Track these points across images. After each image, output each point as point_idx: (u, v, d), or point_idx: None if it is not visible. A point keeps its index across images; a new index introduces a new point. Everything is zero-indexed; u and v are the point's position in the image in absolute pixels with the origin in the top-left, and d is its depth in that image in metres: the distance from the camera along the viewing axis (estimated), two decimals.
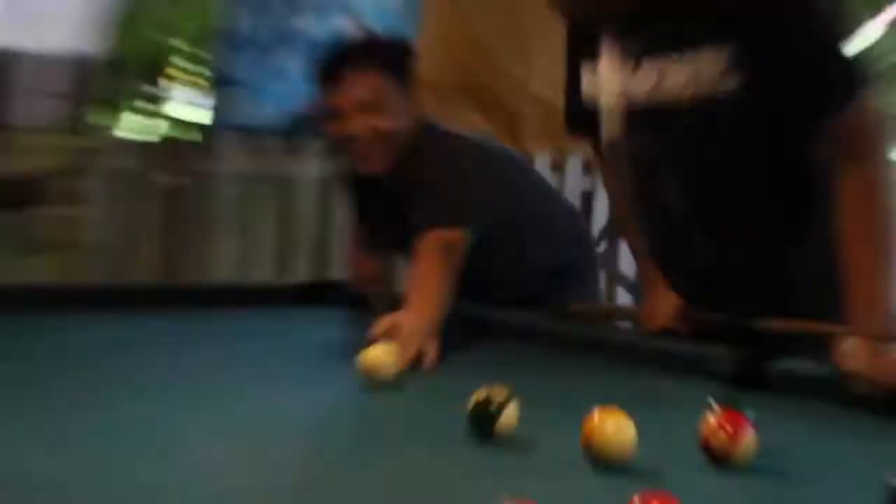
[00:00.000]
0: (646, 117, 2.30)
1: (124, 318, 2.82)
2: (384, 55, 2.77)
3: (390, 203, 2.86)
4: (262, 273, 5.06)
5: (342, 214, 5.12)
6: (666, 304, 2.49)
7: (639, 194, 2.47)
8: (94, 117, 5.18)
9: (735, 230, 2.36)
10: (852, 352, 1.98)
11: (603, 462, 1.50)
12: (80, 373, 2.17)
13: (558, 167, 5.56)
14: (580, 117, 2.58)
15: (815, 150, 2.21)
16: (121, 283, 4.36)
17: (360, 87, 2.67)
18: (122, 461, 1.52)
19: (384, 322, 2.32)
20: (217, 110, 5.15)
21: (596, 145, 2.63)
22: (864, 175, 2.15)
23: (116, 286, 3.98)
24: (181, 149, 5.06)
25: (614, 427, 1.52)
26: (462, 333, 2.52)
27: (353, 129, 2.68)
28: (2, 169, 3.26)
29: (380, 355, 2.09)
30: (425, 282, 2.55)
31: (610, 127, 2.41)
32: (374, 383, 2.07)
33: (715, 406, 1.61)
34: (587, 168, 5.57)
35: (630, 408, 1.54)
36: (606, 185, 2.80)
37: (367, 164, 2.78)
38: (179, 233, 4.97)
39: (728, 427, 1.55)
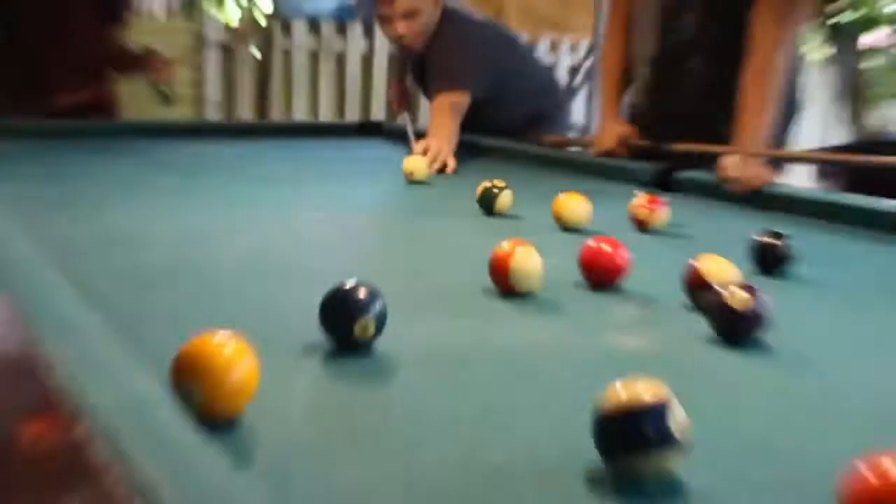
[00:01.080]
0: None
1: (233, 142, 2.90)
2: None
3: (419, 67, 2.95)
4: (325, 118, 5.11)
5: (380, 78, 5.19)
6: (612, 135, 2.50)
7: (659, 28, 2.42)
8: (204, 6, 5.16)
9: (719, 59, 2.33)
10: (730, 164, 2.02)
11: (567, 225, 1.64)
12: (213, 173, 2.28)
13: (555, 48, 5.61)
14: None
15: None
16: (230, 121, 4.44)
17: (405, 2, 2.71)
18: (241, 223, 1.65)
19: (421, 143, 2.45)
20: (286, 3, 5.11)
21: (618, 4, 2.61)
22: (767, 53, 2.16)
23: (228, 123, 4.07)
24: (264, 30, 5.04)
25: (574, 202, 1.66)
26: (468, 155, 2.61)
27: (399, 31, 2.74)
28: (138, 44, 3.26)
29: (416, 162, 2.21)
30: (441, 124, 2.63)
31: None
32: (412, 181, 2.19)
33: (639, 192, 1.75)
34: (572, 48, 5.62)
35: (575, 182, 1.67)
36: (608, 37, 2.68)
37: (408, 48, 2.87)
38: (265, 92, 5.00)
39: (648, 204, 1.68)
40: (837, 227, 1.76)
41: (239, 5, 5.14)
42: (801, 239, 1.40)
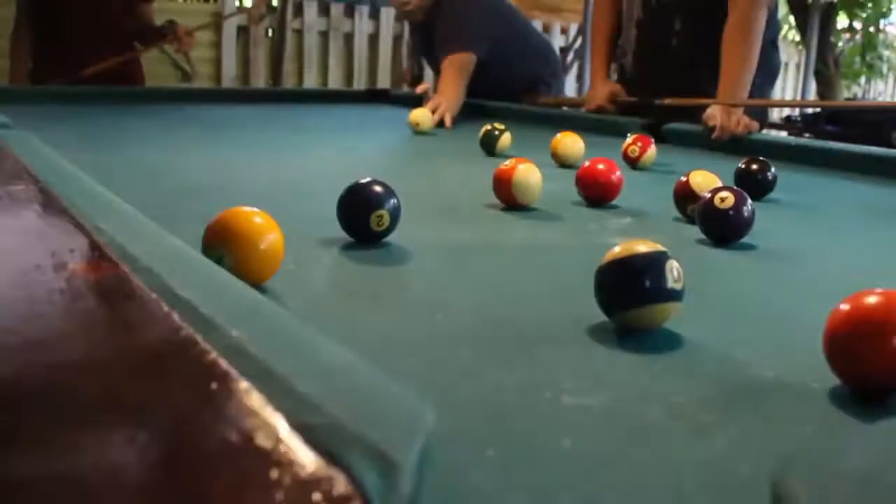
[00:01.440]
0: None
1: (257, 107, 2.90)
2: None
3: (426, 35, 2.94)
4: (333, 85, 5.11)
5: (385, 57, 5.17)
6: (601, 93, 2.50)
7: None
8: None
9: (700, 20, 2.32)
10: (712, 114, 2.03)
11: (563, 161, 1.64)
12: (232, 127, 2.28)
13: (546, 30, 5.60)
14: None
15: None
16: (249, 88, 4.44)
17: None
18: (261, 159, 1.68)
19: (428, 103, 2.46)
20: None
21: None
22: (742, 14, 2.17)
23: (247, 89, 4.06)
24: (276, 12, 5.01)
25: (570, 139, 1.66)
26: (471, 114, 2.61)
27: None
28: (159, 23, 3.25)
29: (421, 114, 2.21)
30: (447, 86, 2.63)
31: None
32: (418, 131, 2.20)
33: (630, 134, 1.75)
34: (563, 31, 5.61)
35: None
36: (596, 4, 2.69)
37: (412, 15, 2.86)
38: (279, 69, 4.99)
39: (639, 143, 1.69)
40: (813, 167, 1.77)
41: None
42: (781, 177, 1.40)
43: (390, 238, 0.94)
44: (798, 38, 6.35)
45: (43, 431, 0.33)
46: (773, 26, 2.32)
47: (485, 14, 2.85)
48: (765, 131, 2.74)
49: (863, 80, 7.01)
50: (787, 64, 7.09)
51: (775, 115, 4.21)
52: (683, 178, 1.16)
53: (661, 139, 2.16)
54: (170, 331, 0.45)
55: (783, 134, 3.63)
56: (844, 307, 0.56)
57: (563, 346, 0.63)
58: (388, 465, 0.30)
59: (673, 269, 0.65)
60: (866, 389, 0.55)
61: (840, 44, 6.74)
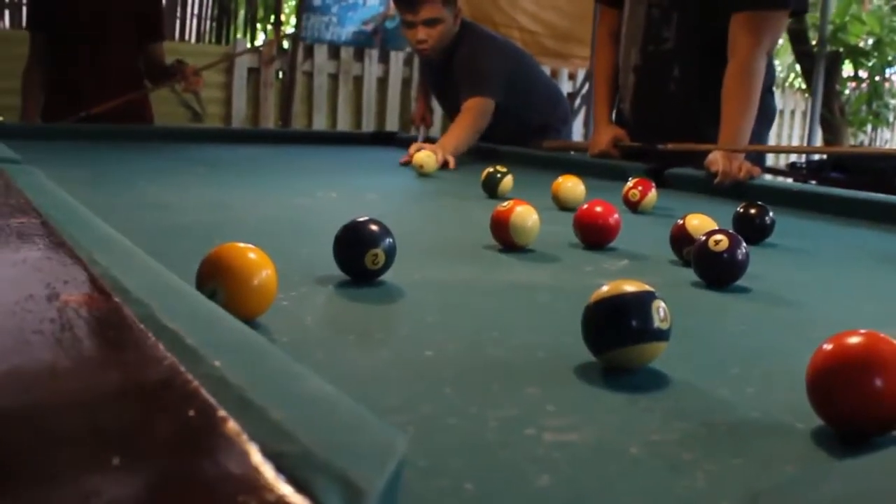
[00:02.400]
0: None
1: (263, 147, 2.93)
2: None
3: (440, 75, 2.96)
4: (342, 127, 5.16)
5: (394, 100, 5.22)
6: (605, 137, 2.52)
7: (642, 39, 2.44)
8: (234, 32, 5.23)
9: (699, 66, 2.35)
10: (714, 160, 2.03)
11: (564, 204, 1.65)
12: (238, 166, 2.30)
13: (554, 75, 5.66)
14: None
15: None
16: (257, 129, 4.48)
17: (427, 11, 2.73)
18: (263, 198, 1.68)
19: (417, 144, 2.48)
20: (308, 29, 5.15)
21: (605, 16, 2.65)
22: (742, 61, 2.19)
23: (258, 130, 4.11)
24: (287, 54, 5.08)
25: (570, 182, 1.67)
26: (478, 157, 2.63)
27: (421, 36, 2.77)
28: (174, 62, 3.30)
29: (424, 157, 2.22)
30: (458, 128, 2.66)
31: None
32: (422, 174, 2.21)
33: (631, 178, 1.76)
34: (571, 77, 5.66)
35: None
36: (598, 47, 2.72)
37: (427, 55, 2.88)
38: (288, 110, 5.04)
39: (640, 187, 1.70)
40: (814, 213, 1.78)
41: (265, 31, 5.18)
42: (781, 222, 1.41)
43: (385, 276, 0.95)
44: (804, 85, 6.39)
45: (23, 461, 0.33)
46: (769, 73, 2.34)
47: (501, 58, 2.89)
48: (769, 177, 2.77)
49: (869, 128, 7.04)
50: (793, 111, 7.13)
51: (781, 161, 4.23)
52: (680, 222, 1.17)
53: (664, 184, 2.17)
54: (155, 360, 0.46)
55: (788, 180, 3.64)
56: (826, 347, 0.57)
57: (549, 383, 0.63)
58: (354, 491, 0.31)
59: (659, 308, 0.66)
60: (848, 430, 0.55)
61: (846, 92, 6.79)
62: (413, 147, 2.44)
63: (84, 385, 0.42)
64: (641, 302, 0.65)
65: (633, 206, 1.68)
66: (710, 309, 0.93)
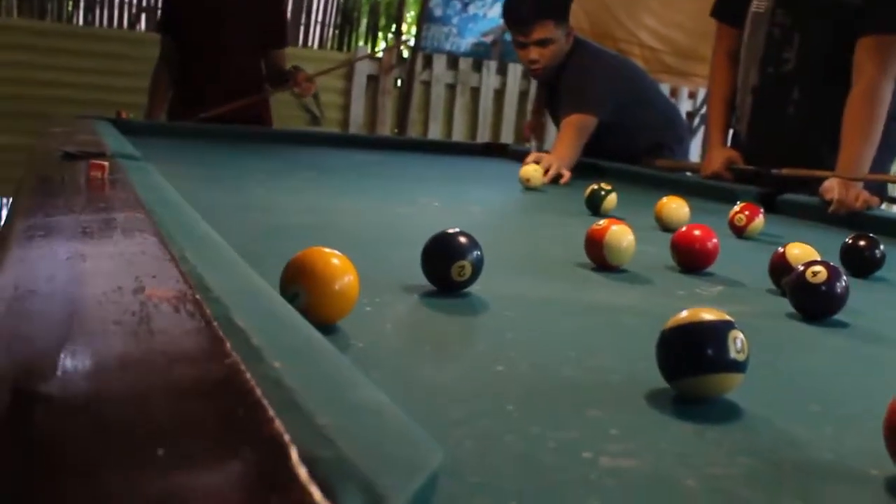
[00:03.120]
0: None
1: (375, 153, 2.98)
2: (555, 7, 2.80)
3: (551, 91, 2.96)
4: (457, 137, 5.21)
5: (510, 112, 5.23)
6: (718, 159, 2.48)
7: (761, 59, 2.41)
8: (356, 40, 5.35)
9: (820, 89, 2.30)
10: (830, 187, 1.97)
11: (666, 225, 1.63)
12: (349, 172, 2.35)
13: (674, 94, 5.59)
14: (729, 7, 2.57)
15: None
16: (373, 135, 4.57)
17: (539, 31, 2.74)
18: (367, 205, 1.71)
19: (533, 155, 2.48)
20: (428, 39, 5.21)
21: (723, 35, 2.60)
22: (866, 87, 2.14)
23: (372, 136, 4.20)
24: (407, 62, 5.16)
25: (675, 204, 1.65)
26: (586, 173, 2.61)
27: (533, 57, 2.78)
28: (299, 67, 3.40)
29: (532, 170, 2.23)
30: (563, 140, 2.66)
31: (759, 4, 2.40)
32: (528, 187, 2.21)
33: (739, 202, 1.72)
34: (691, 95, 5.57)
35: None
36: (715, 67, 2.65)
37: (539, 75, 2.89)
38: (405, 119, 5.12)
39: (746, 212, 1.66)
40: None
41: (386, 39, 5.27)
42: (893, 256, 1.36)
43: (472, 288, 0.95)
44: None
45: (74, 450, 0.35)
46: (895, 100, 2.25)
47: (611, 77, 2.86)
48: (885, 206, 2.65)
49: None
50: None
51: None
52: (780, 250, 1.14)
53: (776, 209, 2.12)
54: (218, 358, 0.47)
55: None
56: None
57: (616, 408, 0.62)
58: (376, 499, 0.32)
59: (737, 339, 0.64)
60: None
61: None
62: (530, 157, 2.45)
63: (146, 377, 0.44)
64: (718, 331, 0.64)
65: (739, 231, 1.64)
66: (801, 343, 0.91)
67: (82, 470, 0.33)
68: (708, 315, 0.65)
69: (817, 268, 0.98)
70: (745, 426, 0.61)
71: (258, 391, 0.42)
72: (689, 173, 2.81)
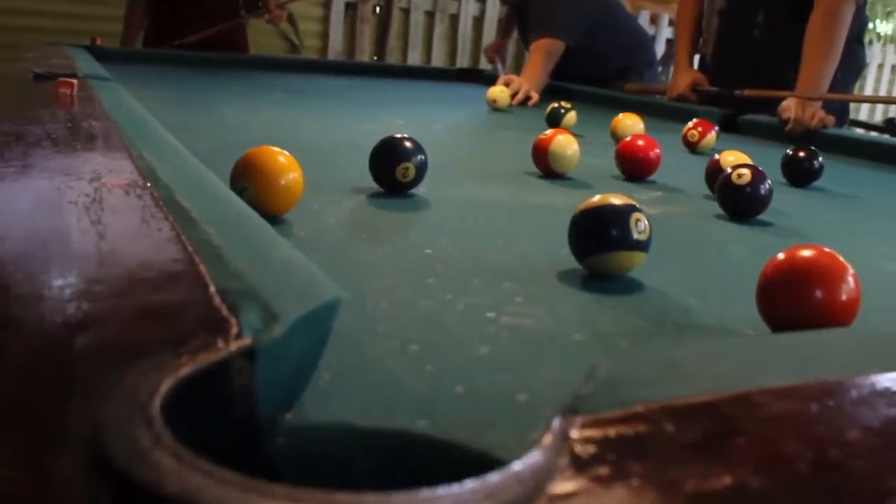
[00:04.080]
0: None
1: (351, 79, 3.02)
2: None
3: (520, 15, 3.00)
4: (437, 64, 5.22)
5: (489, 39, 5.23)
6: (683, 81, 2.54)
7: None
8: None
9: (784, 12, 2.33)
10: (788, 106, 2.04)
11: (622, 138, 1.68)
12: (321, 98, 2.40)
13: (654, 21, 5.60)
14: None
15: None
16: (350, 61, 4.59)
17: None
18: (331, 122, 1.75)
19: (503, 77, 2.53)
20: None
21: None
22: (827, 8, 2.16)
23: (348, 62, 4.22)
24: None
25: (629, 119, 1.71)
26: (554, 97, 2.66)
27: None
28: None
29: (498, 91, 2.28)
30: (531, 65, 2.71)
31: None
32: (495, 108, 2.26)
33: (694, 119, 1.78)
34: (671, 23, 5.57)
35: (648, 123, 1.72)
36: (679, 12, 2.72)
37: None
38: (384, 46, 5.12)
39: (699, 128, 1.72)
40: (884, 166, 1.77)
41: None
42: (841, 170, 1.42)
43: (419, 191, 1.02)
44: None
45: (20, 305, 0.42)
46: (859, 21, 2.30)
47: (579, 2, 2.89)
48: (860, 131, 2.72)
49: None
50: (894, 66, 6.84)
51: (878, 116, 4.11)
52: (716, 157, 1.21)
53: (737, 129, 2.18)
54: (159, 225, 0.54)
55: (873, 134, 3.55)
56: (778, 257, 0.62)
57: (528, 282, 0.70)
58: (271, 315, 0.39)
59: (639, 221, 0.71)
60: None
61: None
62: (500, 80, 2.50)
63: (93, 240, 0.51)
64: (622, 213, 0.71)
65: (692, 147, 1.70)
66: (720, 237, 0.98)
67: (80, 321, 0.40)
68: (615, 200, 0.72)
69: (743, 170, 1.05)
70: (642, 297, 0.69)
71: (189, 248, 0.49)
72: (658, 95, 2.86)
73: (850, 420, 0.35)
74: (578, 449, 0.29)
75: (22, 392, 0.31)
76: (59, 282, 0.43)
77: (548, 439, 0.30)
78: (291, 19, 3.85)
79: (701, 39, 2.61)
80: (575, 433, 0.30)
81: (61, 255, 0.48)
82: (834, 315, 0.59)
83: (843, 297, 0.59)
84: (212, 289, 0.42)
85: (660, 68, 3.62)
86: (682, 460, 0.29)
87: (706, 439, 0.31)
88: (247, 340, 0.36)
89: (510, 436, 0.40)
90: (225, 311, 0.39)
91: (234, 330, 0.37)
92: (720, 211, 1.08)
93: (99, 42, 2.83)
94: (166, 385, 0.31)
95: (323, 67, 3.29)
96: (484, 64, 5.17)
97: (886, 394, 0.37)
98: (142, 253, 0.50)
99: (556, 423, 0.31)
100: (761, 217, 1.06)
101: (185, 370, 0.33)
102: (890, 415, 0.36)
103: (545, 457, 0.29)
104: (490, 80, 3.14)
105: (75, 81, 1.32)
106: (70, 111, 1.17)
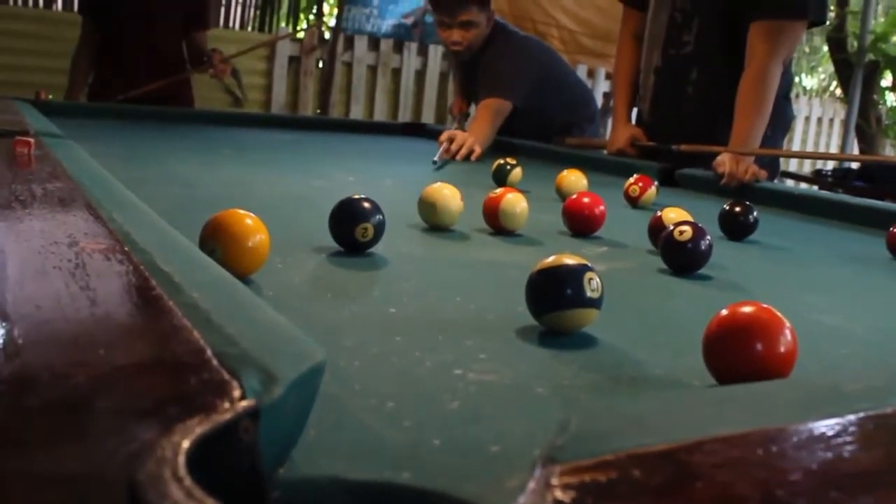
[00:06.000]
0: None
1: (296, 133, 3.06)
2: None
3: (470, 72, 3.08)
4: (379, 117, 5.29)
5: (431, 92, 5.33)
6: (622, 136, 2.63)
7: (663, 42, 2.54)
8: (277, 21, 5.38)
9: (716, 70, 2.43)
10: (722, 161, 2.12)
11: (566, 196, 1.74)
12: (269, 153, 2.43)
13: (591, 75, 5.74)
14: None
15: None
16: (294, 115, 4.63)
17: (464, 15, 2.88)
18: (282, 179, 1.79)
19: (449, 132, 2.60)
20: (349, 20, 5.27)
21: (629, 18, 2.77)
22: (757, 68, 2.27)
23: (292, 116, 4.25)
24: (328, 43, 5.22)
25: (573, 175, 1.77)
26: (499, 152, 2.73)
27: (455, 38, 2.92)
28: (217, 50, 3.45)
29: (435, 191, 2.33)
30: (478, 125, 2.78)
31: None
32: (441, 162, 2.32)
33: (635, 175, 1.86)
34: (608, 76, 5.73)
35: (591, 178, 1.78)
36: (619, 48, 2.83)
37: (460, 55, 3.01)
38: (327, 99, 5.18)
39: (640, 183, 1.79)
40: (813, 217, 1.85)
41: (307, 20, 5.31)
42: (773, 223, 1.49)
43: (376, 249, 1.06)
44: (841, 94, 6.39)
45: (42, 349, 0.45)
46: (786, 80, 2.42)
47: (527, 63, 3.00)
48: (790, 182, 2.83)
49: None
50: (832, 119, 7.13)
51: (807, 168, 4.28)
52: (658, 213, 1.27)
53: (674, 183, 2.27)
54: (146, 290, 0.57)
55: (804, 187, 3.70)
56: (721, 313, 0.67)
57: (488, 339, 0.74)
58: (269, 377, 0.42)
59: (592, 280, 0.76)
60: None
61: (890, 102, 6.78)
62: (444, 134, 2.56)
63: (85, 305, 0.54)
64: (576, 273, 0.75)
65: (634, 202, 1.77)
66: (664, 291, 1.03)
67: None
68: (569, 260, 0.76)
69: (684, 227, 1.11)
70: (596, 351, 0.73)
71: (179, 313, 0.52)
72: (604, 151, 2.96)
73: (792, 463, 0.39)
74: (560, 494, 0.33)
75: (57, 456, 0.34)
76: (60, 346, 0.46)
77: (532, 485, 0.34)
78: (235, 73, 3.89)
79: (638, 95, 2.71)
80: (555, 480, 0.34)
81: (56, 320, 0.51)
82: (774, 366, 0.64)
83: (782, 350, 0.64)
84: (209, 352, 0.45)
85: None
86: (649, 503, 0.34)
87: (669, 484, 0.35)
88: (252, 401, 0.39)
89: (488, 485, 0.44)
90: (226, 375, 0.42)
91: (238, 392, 0.40)
92: (663, 265, 1.13)
93: (44, 96, 2.83)
94: (187, 442, 0.34)
95: (267, 121, 3.33)
96: (427, 118, 5.27)
97: (823, 439, 0.42)
98: (134, 318, 0.53)
99: (538, 471, 0.35)
100: (702, 271, 1.12)
101: (200, 429, 0.36)
102: (826, 458, 0.40)
103: (532, 501, 0.33)
104: (433, 134, 3.21)
105: (32, 140, 1.34)
106: (30, 171, 1.19)
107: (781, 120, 2.49)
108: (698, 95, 2.49)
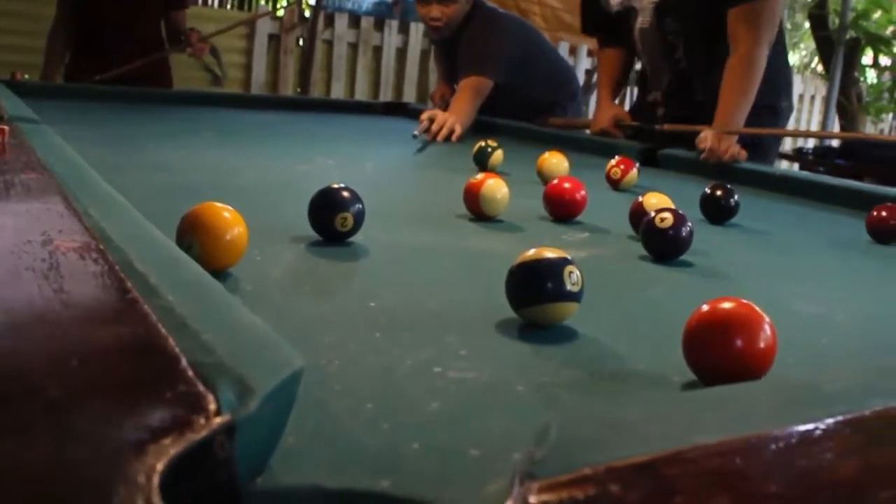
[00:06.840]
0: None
1: (276, 114, 3.04)
2: None
3: (451, 54, 3.06)
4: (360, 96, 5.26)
5: (412, 70, 5.30)
6: (606, 116, 2.63)
7: (666, 61, 2.54)
8: None
9: (715, 77, 2.37)
10: (704, 138, 2.12)
11: (547, 179, 1.74)
12: (249, 134, 2.41)
13: (573, 52, 5.72)
14: (595, 20, 2.74)
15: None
16: (275, 95, 4.59)
17: None
18: (264, 163, 1.77)
19: (430, 112, 2.59)
20: None
21: (601, 40, 2.78)
22: (743, 52, 2.27)
23: (273, 96, 4.21)
24: (309, 21, 5.17)
25: (555, 158, 1.77)
26: (482, 132, 2.72)
27: (434, 14, 2.89)
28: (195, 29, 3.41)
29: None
30: (459, 101, 2.77)
31: (644, 19, 2.54)
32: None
33: (616, 156, 1.85)
34: (590, 53, 5.71)
35: (572, 159, 1.78)
36: (601, 63, 2.86)
37: (439, 33, 2.99)
38: (307, 78, 5.14)
39: (622, 166, 1.79)
40: (793, 198, 1.86)
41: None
42: (755, 205, 1.49)
43: (356, 238, 1.05)
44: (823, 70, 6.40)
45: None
46: (784, 76, 2.44)
47: (507, 40, 2.97)
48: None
49: (890, 116, 7.04)
50: (813, 96, 7.15)
51: (787, 146, 4.29)
52: (639, 199, 1.27)
53: (656, 164, 2.26)
54: (121, 293, 0.56)
55: (785, 164, 3.71)
56: (701, 309, 0.67)
57: (469, 333, 0.73)
58: (246, 389, 0.42)
59: (572, 273, 0.75)
60: (712, 383, 0.65)
61: (871, 79, 6.81)
62: (425, 114, 2.55)
63: (59, 309, 0.53)
64: (555, 266, 0.75)
65: (615, 184, 1.77)
66: (645, 279, 1.03)
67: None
68: (549, 253, 0.76)
69: (665, 214, 1.11)
70: (577, 345, 0.73)
71: (153, 317, 0.51)
72: (587, 130, 2.95)
73: (772, 472, 0.39)
74: None
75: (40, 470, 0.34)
76: (32, 355, 0.46)
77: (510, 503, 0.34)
78: (214, 52, 3.86)
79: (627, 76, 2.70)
80: (533, 498, 0.34)
81: (28, 327, 0.50)
82: (753, 361, 0.64)
83: (762, 345, 0.64)
84: (184, 362, 0.45)
85: None
86: None
87: (648, 499, 0.35)
88: (227, 417, 0.39)
89: (468, 491, 0.44)
90: (201, 387, 0.42)
91: (213, 406, 0.40)
92: (644, 252, 1.13)
93: (20, 76, 2.79)
94: (160, 465, 0.34)
95: (247, 102, 3.29)
96: (408, 97, 5.24)
97: (803, 444, 0.42)
98: (108, 324, 0.52)
99: (515, 489, 0.35)
100: (683, 258, 1.12)
101: (174, 450, 0.35)
102: (806, 466, 0.40)
103: None
104: (415, 113, 3.19)
105: (6, 128, 1.32)
106: (4, 160, 1.17)
107: (777, 113, 2.50)
108: (707, 103, 2.46)
